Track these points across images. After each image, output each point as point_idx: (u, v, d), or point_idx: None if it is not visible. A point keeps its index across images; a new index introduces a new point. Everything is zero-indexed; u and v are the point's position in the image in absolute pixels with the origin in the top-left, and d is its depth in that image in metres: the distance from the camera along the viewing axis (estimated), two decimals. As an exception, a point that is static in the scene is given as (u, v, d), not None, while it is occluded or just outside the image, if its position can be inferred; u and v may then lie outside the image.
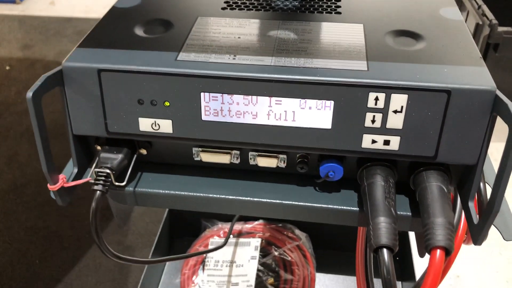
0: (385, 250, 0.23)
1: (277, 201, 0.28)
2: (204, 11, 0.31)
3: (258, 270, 0.60)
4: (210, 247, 0.64)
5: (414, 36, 0.28)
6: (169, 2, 0.32)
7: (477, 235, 0.25)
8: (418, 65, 0.25)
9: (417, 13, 0.30)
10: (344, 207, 0.28)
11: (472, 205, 0.26)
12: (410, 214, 0.27)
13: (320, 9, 0.32)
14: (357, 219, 0.27)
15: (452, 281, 0.82)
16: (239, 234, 0.66)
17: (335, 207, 0.28)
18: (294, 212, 0.28)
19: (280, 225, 0.66)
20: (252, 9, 0.32)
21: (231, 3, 0.33)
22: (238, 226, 0.67)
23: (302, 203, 0.28)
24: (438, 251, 0.23)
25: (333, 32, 0.28)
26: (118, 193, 0.29)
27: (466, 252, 0.86)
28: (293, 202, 0.28)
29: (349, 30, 0.28)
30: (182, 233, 0.72)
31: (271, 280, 0.60)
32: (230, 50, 0.27)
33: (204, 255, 0.64)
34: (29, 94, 0.23)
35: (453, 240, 0.23)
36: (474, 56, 0.26)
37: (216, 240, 0.65)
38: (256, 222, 0.67)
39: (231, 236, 0.65)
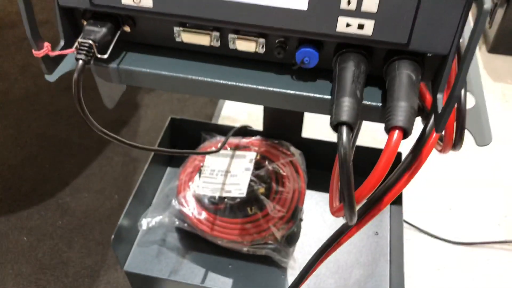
0: (344, 127, 0.24)
1: (254, 86, 0.29)
2: None
3: (251, 180, 0.63)
4: (207, 156, 0.66)
5: None
6: None
7: (438, 122, 0.25)
8: None
9: None
10: (317, 95, 0.28)
11: (440, 96, 0.26)
12: (377, 104, 0.28)
13: None
14: (327, 107, 0.28)
15: (444, 214, 0.84)
16: (236, 148, 0.68)
17: (309, 94, 0.29)
18: (269, 98, 0.29)
19: (276, 141, 0.68)
20: None
21: None
22: (235, 140, 0.68)
23: (277, 89, 0.29)
24: (397, 131, 0.24)
25: None
26: (102, 69, 0.30)
27: (458, 185, 0.88)
28: (269, 88, 0.29)
29: None
30: (182, 146, 0.74)
31: (262, 189, 0.62)
32: None
33: (201, 164, 0.66)
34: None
35: (412, 124, 0.24)
36: None
37: (213, 151, 0.67)
38: (253, 138, 0.69)
39: (228, 148, 0.67)
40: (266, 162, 0.65)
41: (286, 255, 0.59)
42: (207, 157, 0.66)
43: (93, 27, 0.28)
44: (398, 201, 0.65)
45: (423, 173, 0.87)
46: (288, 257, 0.60)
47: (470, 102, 0.38)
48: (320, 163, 0.68)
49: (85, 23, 0.29)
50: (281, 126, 0.68)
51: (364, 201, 0.29)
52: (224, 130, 0.69)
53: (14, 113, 1.03)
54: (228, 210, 0.61)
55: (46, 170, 0.91)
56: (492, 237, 0.80)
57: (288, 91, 0.29)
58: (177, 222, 0.62)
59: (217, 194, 0.62)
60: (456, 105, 0.32)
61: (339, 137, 0.24)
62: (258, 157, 0.66)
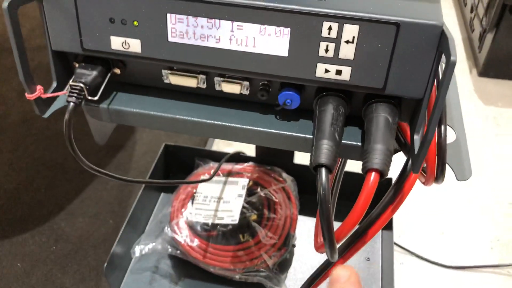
0: (323, 169, 0.25)
1: (239, 125, 0.30)
2: None
3: (243, 207, 0.63)
4: (200, 184, 0.67)
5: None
6: None
7: (415, 163, 0.26)
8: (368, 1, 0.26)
9: None
10: (300, 134, 0.29)
11: (418, 138, 0.28)
12: (357, 144, 0.29)
13: None
14: (309, 146, 0.29)
15: (437, 238, 0.84)
16: (229, 174, 0.68)
17: (292, 134, 0.30)
18: (253, 137, 0.30)
19: (269, 168, 0.69)
20: None
21: None
22: (228, 166, 0.69)
23: (261, 129, 0.30)
24: (373, 173, 0.25)
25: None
26: (93, 108, 0.31)
27: (450, 210, 0.88)
28: (254, 127, 0.30)
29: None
30: (176, 171, 0.75)
31: (254, 216, 0.63)
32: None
33: (194, 191, 0.67)
34: (5, 4, 0.25)
35: (389, 166, 0.25)
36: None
37: (207, 177, 0.67)
38: (246, 164, 0.70)
39: (221, 175, 0.68)
40: (259, 189, 0.66)
41: (278, 282, 0.60)
42: (200, 184, 0.67)
43: (84, 70, 0.30)
44: (388, 226, 0.65)
45: (414, 198, 0.87)
46: (280, 285, 0.60)
47: (450, 136, 0.39)
48: (312, 188, 0.69)
49: (76, 65, 0.31)
50: (273, 152, 0.69)
51: (346, 237, 0.30)
52: (217, 156, 0.70)
53: (11, 137, 1.04)
54: (221, 237, 0.62)
55: (41, 195, 0.92)
56: (485, 261, 0.80)
57: (272, 131, 0.30)
58: (170, 249, 0.63)
59: (209, 221, 0.63)
60: (436, 141, 0.33)
61: (318, 178, 0.25)
62: (250, 183, 0.67)
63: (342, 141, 0.29)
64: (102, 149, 1.01)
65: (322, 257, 0.64)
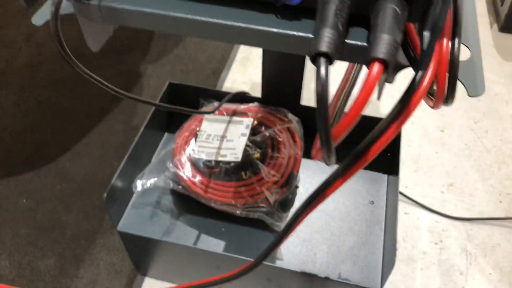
0: (322, 58, 0.23)
1: (238, 24, 0.28)
2: None
3: (247, 145, 0.62)
4: (203, 122, 0.66)
5: None
6: None
7: (423, 59, 0.25)
8: None
9: None
10: (301, 33, 0.28)
11: (427, 34, 0.26)
12: (363, 44, 0.27)
13: None
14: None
15: (445, 190, 0.83)
16: (234, 113, 0.67)
17: (292, 33, 0.28)
18: (252, 37, 0.29)
19: (274, 108, 0.67)
20: None
21: None
22: (233, 106, 0.68)
23: (261, 27, 0.28)
24: (377, 63, 0.23)
25: None
26: (84, 7, 0.30)
27: (460, 162, 0.87)
28: (253, 26, 0.28)
29: None
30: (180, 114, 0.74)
31: (257, 154, 0.62)
32: None
33: (197, 129, 0.66)
34: None
35: (394, 56, 0.23)
36: None
37: (210, 116, 0.66)
38: (251, 104, 0.68)
39: (226, 114, 0.67)
40: (263, 128, 0.65)
41: (278, 218, 0.59)
42: (204, 122, 0.66)
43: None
44: (394, 171, 0.64)
45: (425, 149, 0.85)
46: (280, 221, 0.60)
47: (465, 54, 0.37)
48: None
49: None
50: (280, 93, 0.67)
51: (344, 134, 0.28)
52: (222, 96, 0.69)
53: (18, 80, 1.03)
54: (223, 174, 0.61)
55: (47, 136, 0.92)
56: (493, 213, 0.79)
57: (272, 29, 0.28)
58: (171, 184, 0.62)
59: (212, 158, 0.62)
60: (449, 55, 0.31)
61: (317, 69, 0.23)
62: (255, 122, 0.65)
63: (348, 41, 0.27)
64: (108, 94, 1.00)
65: (326, 203, 0.63)
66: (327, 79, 0.23)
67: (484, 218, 0.79)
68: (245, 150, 0.62)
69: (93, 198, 0.81)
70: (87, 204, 0.81)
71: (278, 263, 0.59)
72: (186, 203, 0.64)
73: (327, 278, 0.54)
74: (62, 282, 0.71)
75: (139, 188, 0.63)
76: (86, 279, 0.71)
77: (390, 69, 0.23)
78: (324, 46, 0.23)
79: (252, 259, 0.36)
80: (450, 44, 0.32)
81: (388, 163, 0.65)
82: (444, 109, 0.97)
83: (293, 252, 0.60)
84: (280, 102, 0.67)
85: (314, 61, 0.23)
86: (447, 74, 0.32)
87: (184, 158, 0.63)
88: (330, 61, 0.23)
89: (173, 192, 0.65)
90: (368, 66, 0.23)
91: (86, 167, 0.86)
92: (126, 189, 0.63)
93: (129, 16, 0.30)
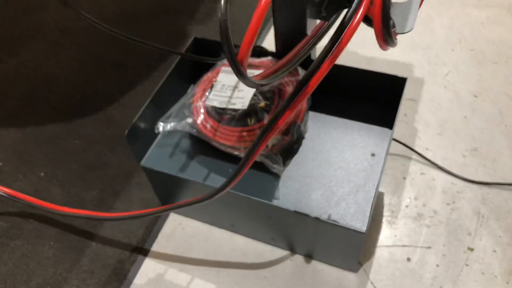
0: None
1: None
2: None
3: (254, 95, 0.68)
4: (220, 73, 0.72)
5: None
6: None
7: None
8: None
9: None
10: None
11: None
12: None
13: None
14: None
15: (468, 154, 0.82)
16: (248, 66, 0.72)
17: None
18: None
19: (286, 62, 0.71)
20: None
21: None
22: (248, 60, 0.73)
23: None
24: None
25: None
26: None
27: (487, 126, 0.84)
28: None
29: None
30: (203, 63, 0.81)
31: (262, 104, 0.67)
32: None
33: (214, 80, 0.72)
34: None
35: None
36: None
37: (226, 68, 0.72)
38: (264, 58, 0.73)
39: (241, 67, 0.72)
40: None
41: (276, 162, 0.64)
42: (220, 73, 0.72)
43: None
44: (390, 125, 0.66)
45: (454, 113, 0.85)
46: (279, 164, 0.65)
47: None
48: (326, 88, 0.71)
49: None
50: (291, 48, 0.71)
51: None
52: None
53: (80, 39, 1.16)
54: (231, 120, 0.67)
55: (99, 87, 1.03)
56: (512, 179, 0.78)
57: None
58: (188, 128, 0.70)
59: (223, 106, 0.68)
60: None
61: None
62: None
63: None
64: (154, 52, 1.09)
65: (328, 150, 0.67)
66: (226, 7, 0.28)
67: (503, 183, 0.78)
68: (252, 99, 0.67)
69: (125, 132, 0.92)
70: (127, 148, 0.91)
71: (275, 202, 0.64)
72: (200, 146, 0.71)
73: (317, 218, 0.59)
74: (101, 210, 0.82)
75: (160, 129, 0.71)
76: (120, 210, 0.82)
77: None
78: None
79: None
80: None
81: (391, 119, 0.67)
82: (481, 74, 0.95)
83: (290, 194, 0.65)
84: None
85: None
86: (381, 12, 0.35)
87: (200, 105, 0.70)
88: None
89: (190, 136, 0.73)
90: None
91: (130, 116, 0.97)
92: (149, 130, 0.71)
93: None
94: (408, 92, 0.94)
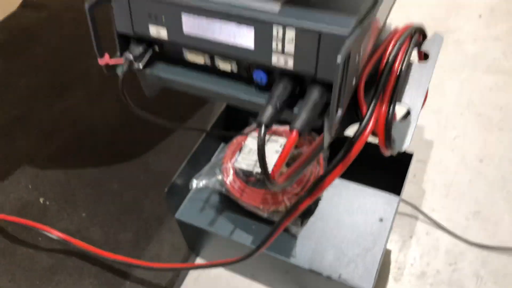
0: (263, 126, 0.38)
1: (230, 93, 0.44)
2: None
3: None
4: (248, 137, 0.82)
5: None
6: None
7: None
8: (312, 11, 0.37)
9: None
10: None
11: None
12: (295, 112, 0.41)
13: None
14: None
15: (470, 216, 0.89)
16: (273, 133, 0.82)
17: (261, 100, 0.43)
18: (238, 102, 0.44)
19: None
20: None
21: None
22: (274, 127, 0.83)
23: (244, 96, 0.43)
24: (294, 131, 0.37)
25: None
26: (140, 72, 0.47)
27: (490, 189, 0.92)
28: (240, 96, 0.44)
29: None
30: (234, 125, 0.91)
31: (284, 169, 0.76)
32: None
33: (243, 143, 0.82)
34: (86, 6, 0.41)
35: (306, 129, 0.37)
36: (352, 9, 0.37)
37: (254, 134, 0.82)
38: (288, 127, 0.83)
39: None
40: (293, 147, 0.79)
41: (295, 224, 0.73)
42: (248, 138, 0.82)
43: (135, 46, 0.45)
44: (398, 192, 0.74)
45: (460, 176, 0.93)
46: (297, 226, 0.74)
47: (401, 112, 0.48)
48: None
49: (131, 42, 0.46)
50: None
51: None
52: (267, 118, 0.84)
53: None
54: (256, 182, 0.77)
55: (137, 134, 1.14)
56: (512, 243, 0.84)
57: (249, 98, 0.43)
58: (218, 187, 0.79)
59: (250, 169, 0.78)
60: (385, 117, 0.44)
61: (259, 132, 0.38)
62: (288, 143, 0.80)
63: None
64: (186, 104, 1.20)
65: (341, 216, 0.76)
66: (264, 138, 0.38)
67: (502, 248, 0.84)
68: (276, 165, 0.76)
69: (165, 190, 1.02)
70: (161, 194, 1.01)
71: (292, 260, 0.73)
72: (228, 202, 0.80)
73: (329, 277, 0.68)
74: (135, 252, 0.92)
75: (194, 186, 0.81)
76: (152, 252, 0.92)
77: (303, 136, 0.37)
78: (264, 119, 0.38)
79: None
80: (386, 109, 0.45)
81: (400, 185, 0.75)
82: (487, 139, 1.02)
83: (306, 252, 0.73)
84: (314, 128, 0.81)
85: (259, 126, 0.38)
86: (384, 130, 0.45)
87: (229, 167, 0.80)
88: (267, 127, 0.38)
89: (219, 193, 0.82)
90: (290, 131, 0.38)
91: (163, 163, 1.07)
92: (185, 185, 0.81)
93: (166, 82, 0.46)
94: (418, 153, 1.02)
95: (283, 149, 0.38)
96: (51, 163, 1.12)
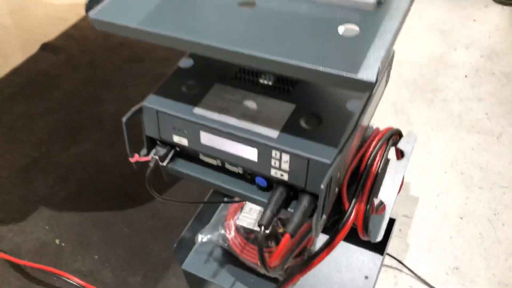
0: (262, 227, 0.47)
1: (236, 190, 0.54)
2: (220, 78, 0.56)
3: (275, 221, 0.86)
4: (249, 198, 0.92)
5: (319, 119, 0.49)
6: (202, 69, 0.57)
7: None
8: (303, 140, 0.47)
9: (331, 104, 0.51)
10: (262, 199, 0.52)
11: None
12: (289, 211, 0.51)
13: (278, 88, 0.54)
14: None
15: (450, 271, 0.98)
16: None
17: (262, 199, 0.52)
18: (244, 197, 0.54)
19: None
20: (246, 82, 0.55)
21: (238, 76, 0.56)
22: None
23: (248, 194, 0.53)
24: (287, 234, 0.47)
25: (274, 107, 0.51)
26: (163, 167, 0.57)
27: (469, 246, 1.01)
28: (243, 192, 0.53)
29: (285, 107, 0.51)
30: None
31: (281, 229, 0.85)
32: (221, 111, 0.51)
33: (245, 202, 0.92)
34: (124, 119, 0.52)
35: (296, 232, 0.47)
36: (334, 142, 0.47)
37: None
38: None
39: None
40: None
41: (289, 280, 0.82)
42: (250, 198, 0.91)
43: (160, 148, 0.55)
44: (382, 253, 0.83)
45: (442, 232, 1.03)
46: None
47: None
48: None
49: (158, 143, 0.56)
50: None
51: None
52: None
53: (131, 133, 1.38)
54: (255, 240, 0.86)
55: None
56: (485, 299, 0.93)
57: (252, 195, 0.53)
58: (221, 242, 0.89)
59: (250, 227, 0.87)
60: (364, 212, 0.54)
61: (260, 232, 0.47)
62: (285, 204, 0.89)
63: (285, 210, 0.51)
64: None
65: (330, 273, 0.85)
66: (264, 235, 0.47)
67: (477, 303, 0.93)
68: (273, 225, 0.86)
69: (173, 235, 1.11)
70: (169, 239, 1.10)
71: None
72: (230, 256, 0.89)
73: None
74: (143, 295, 1.01)
75: (199, 240, 0.90)
76: (159, 296, 1.00)
77: (293, 237, 0.47)
78: (264, 222, 0.48)
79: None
80: (364, 207, 0.55)
81: (384, 244, 0.84)
82: (468, 197, 1.12)
83: (297, 306, 0.82)
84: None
85: (260, 227, 0.48)
86: (362, 223, 0.55)
87: (231, 223, 0.89)
88: (266, 227, 0.48)
89: (222, 247, 0.91)
90: (283, 234, 0.47)
91: (171, 209, 1.17)
92: (191, 239, 0.91)
93: (186, 176, 0.56)
94: (403, 209, 1.11)
95: (278, 247, 0.48)
96: (66, 205, 1.21)
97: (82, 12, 1.91)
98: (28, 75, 1.65)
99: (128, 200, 1.20)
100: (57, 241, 1.13)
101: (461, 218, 1.09)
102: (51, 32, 1.82)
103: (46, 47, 1.75)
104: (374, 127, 0.62)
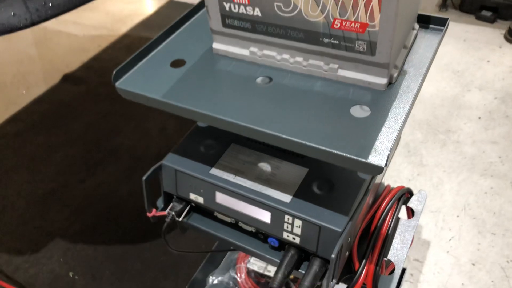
0: (276, 288, 0.49)
1: (249, 248, 0.55)
2: (237, 138, 0.58)
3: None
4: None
5: (331, 184, 0.51)
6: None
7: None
8: (315, 206, 0.49)
9: (343, 169, 0.53)
10: (275, 259, 0.54)
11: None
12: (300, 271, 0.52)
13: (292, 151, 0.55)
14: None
15: (463, 320, 0.97)
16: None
17: (274, 259, 0.54)
18: (256, 255, 0.55)
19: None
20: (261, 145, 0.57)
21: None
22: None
23: (260, 252, 0.55)
24: (298, 296, 0.48)
25: (288, 170, 0.53)
26: (179, 222, 0.59)
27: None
28: (255, 250, 0.55)
29: (299, 171, 0.53)
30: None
31: (291, 276, 0.86)
32: (237, 172, 0.54)
33: (256, 246, 0.93)
34: (144, 178, 0.54)
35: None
36: (345, 210, 0.48)
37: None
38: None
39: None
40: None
41: (298, 328, 0.83)
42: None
43: (176, 203, 0.58)
44: None
45: (454, 278, 1.01)
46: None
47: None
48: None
49: (174, 198, 0.59)
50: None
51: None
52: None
53: (150, 165, 1.41)
54: (266, 284, 0.87)
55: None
56: None
57: (266, 255, 0.54)
58: (231, 284, 0.90)
59: (261, 271, 0.88)
60: (373, 272, 0.55)
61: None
62: (296, 249, 0.90)
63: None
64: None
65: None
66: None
67: None
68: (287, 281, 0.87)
69: (182, 273, 1.12)
70: (180, 276, 1.12)
71: None
72: (239, 299, 0.90)
73: None
74: (153, 333, 1.02)
75: (210, 282, 0.91)
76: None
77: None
78: (275, 284, 0.49)
79: None
80: (374, 267, 0.56)
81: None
82: (481, 243, 1.12)
83: None
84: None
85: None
86: (372, 283, 0.55)
87: (242, 267, 0.90)
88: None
89: (233, 289, 0.92)
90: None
91: (182, 245, 1.18)
92: (203, 280, 0.92)
93: (202, 232, 0.58)
94: (415, 253, 1.11)
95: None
96: (81, 237, 1.23)
97: (103, 44, 1.98)
98: (49, 105, 1.70)
99: (141, 234, 1.22)
100: (70, 274, 1.15)
101: (473, 264, 1.08)
102: (73, 63, 1.89)
103: (67, 78, 1.81)
104: (386, 181, 0.63)
